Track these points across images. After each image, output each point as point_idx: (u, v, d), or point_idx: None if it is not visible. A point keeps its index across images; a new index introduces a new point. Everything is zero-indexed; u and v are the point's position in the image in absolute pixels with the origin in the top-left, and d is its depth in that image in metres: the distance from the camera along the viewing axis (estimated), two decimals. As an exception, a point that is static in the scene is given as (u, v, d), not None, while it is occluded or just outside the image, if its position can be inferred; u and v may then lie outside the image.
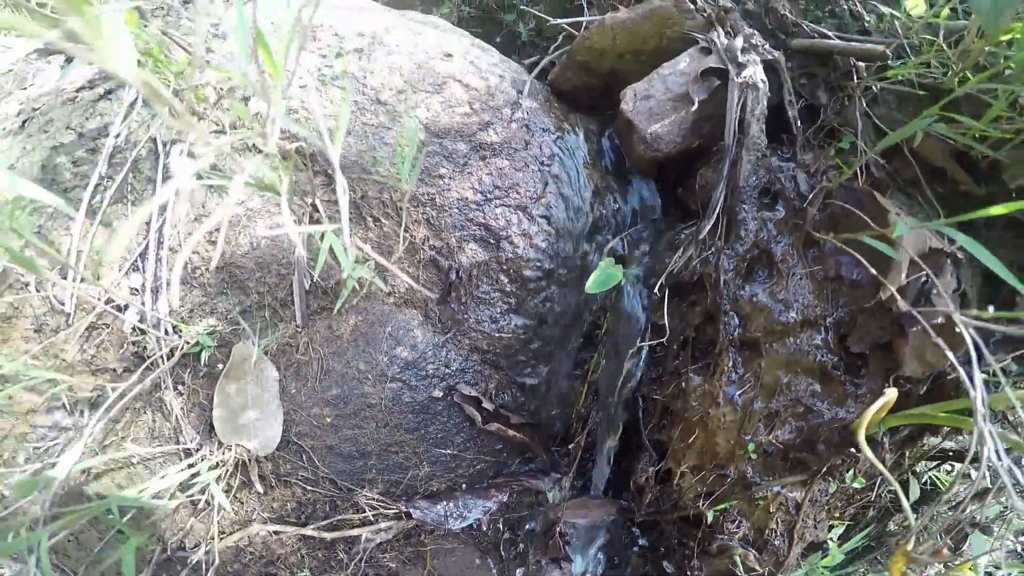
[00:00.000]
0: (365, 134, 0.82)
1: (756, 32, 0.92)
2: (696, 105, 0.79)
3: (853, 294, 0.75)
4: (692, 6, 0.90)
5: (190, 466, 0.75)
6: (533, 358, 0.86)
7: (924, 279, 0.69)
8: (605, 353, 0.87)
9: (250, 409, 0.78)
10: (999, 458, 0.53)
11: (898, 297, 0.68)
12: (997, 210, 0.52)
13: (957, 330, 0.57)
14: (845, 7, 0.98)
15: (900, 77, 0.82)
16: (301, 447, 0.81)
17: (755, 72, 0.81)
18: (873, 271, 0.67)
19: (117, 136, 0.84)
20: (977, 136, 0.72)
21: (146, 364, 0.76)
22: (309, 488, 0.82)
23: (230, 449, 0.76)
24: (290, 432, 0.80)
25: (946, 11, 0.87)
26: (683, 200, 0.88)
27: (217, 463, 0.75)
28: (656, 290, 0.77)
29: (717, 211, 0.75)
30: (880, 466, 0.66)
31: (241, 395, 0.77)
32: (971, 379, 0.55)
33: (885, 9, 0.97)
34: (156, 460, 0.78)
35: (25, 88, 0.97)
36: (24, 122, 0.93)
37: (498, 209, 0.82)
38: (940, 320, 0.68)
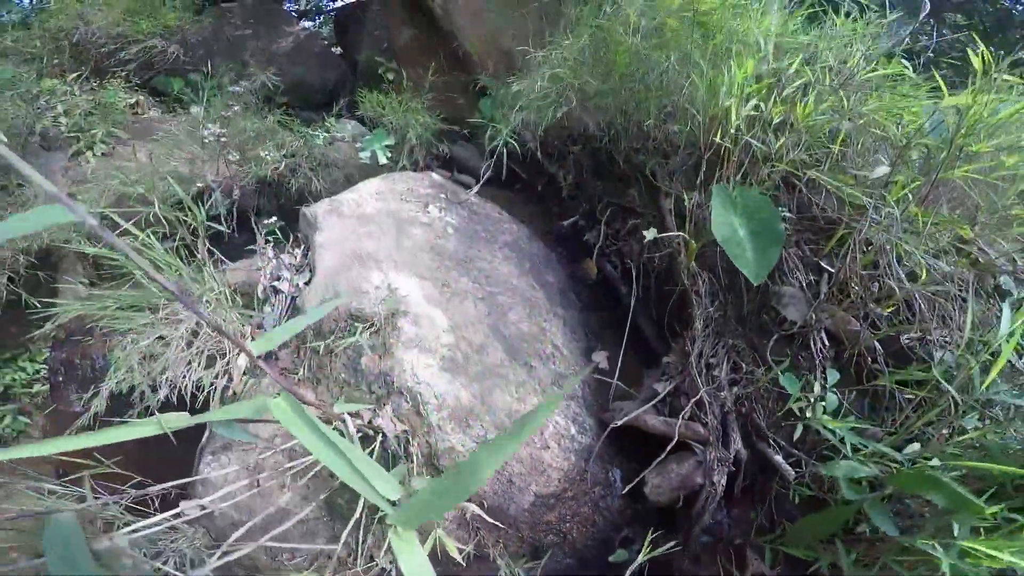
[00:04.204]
0: (507, 494, 1.50)
1: (739, 434, 1.50)
2: (682, 500, 1.47)
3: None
4: (701, 430, 1.46)
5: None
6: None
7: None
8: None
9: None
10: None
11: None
12: None
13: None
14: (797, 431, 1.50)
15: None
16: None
17: (720, 482, 1.46)
18: None
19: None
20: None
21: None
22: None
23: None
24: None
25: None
26: (667, 514, 1.63)
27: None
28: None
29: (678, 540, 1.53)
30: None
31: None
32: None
33: (823, 426, 1.51)
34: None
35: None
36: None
37: (568, 524, 1.57)
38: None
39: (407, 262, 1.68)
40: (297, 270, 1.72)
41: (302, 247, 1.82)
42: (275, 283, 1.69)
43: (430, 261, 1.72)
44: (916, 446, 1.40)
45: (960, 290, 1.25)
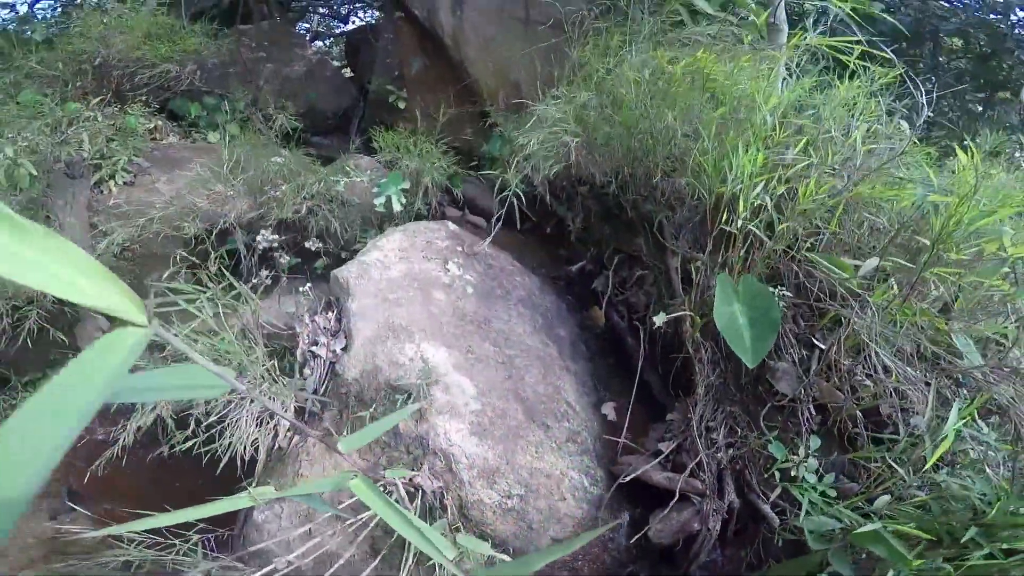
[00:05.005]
0: (528, 537, 1.72)
1: (732, 487, 1.71)
2: (681, 542, 1.70)
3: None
4: (700, 485, 1.67)
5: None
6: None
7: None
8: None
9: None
10: None
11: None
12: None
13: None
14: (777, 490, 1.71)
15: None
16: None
17: (715, 528, 1.68)
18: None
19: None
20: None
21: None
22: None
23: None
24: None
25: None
26: (668, 553, 1.86)
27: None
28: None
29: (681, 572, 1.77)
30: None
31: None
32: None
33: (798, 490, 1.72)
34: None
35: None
36: None
37: (580, 562, 1.80)
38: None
39: (435, 330, 1.84)
40: (332, 335, 1.87)
41: (335, 311, 1.97)
42: (312, 348, 1.85)
43: (454, 327, 1.88)
44: (886, 498, 1.62)
45: (926, 383, 1.43)
